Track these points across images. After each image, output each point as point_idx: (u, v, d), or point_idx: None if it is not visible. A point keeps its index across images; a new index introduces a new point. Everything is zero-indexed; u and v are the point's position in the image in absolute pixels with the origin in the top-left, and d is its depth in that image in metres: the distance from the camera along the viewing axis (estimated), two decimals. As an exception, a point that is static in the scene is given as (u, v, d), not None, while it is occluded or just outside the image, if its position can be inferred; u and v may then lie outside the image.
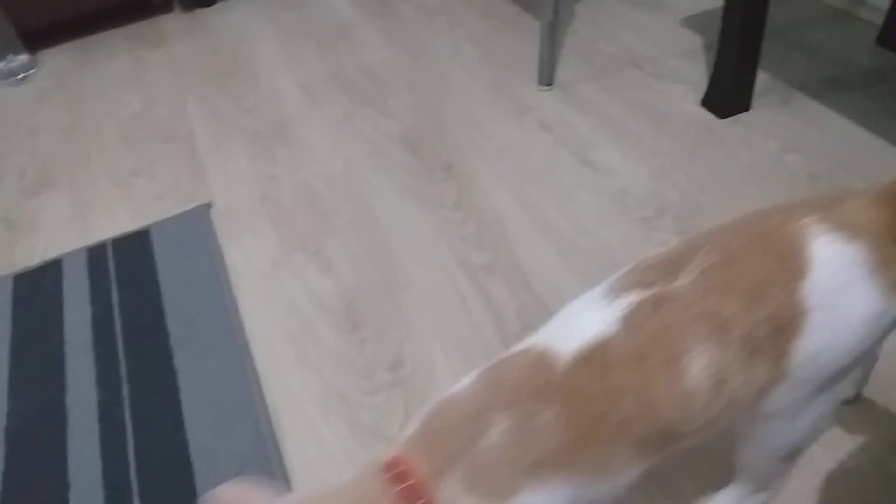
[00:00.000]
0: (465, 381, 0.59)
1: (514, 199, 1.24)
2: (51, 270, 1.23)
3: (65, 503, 0.89)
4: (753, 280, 0.56)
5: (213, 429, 0.94)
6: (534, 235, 1.16)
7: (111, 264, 1.22)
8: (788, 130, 1.28)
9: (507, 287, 1.08)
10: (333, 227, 1.24)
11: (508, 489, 0.54)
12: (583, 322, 0.58)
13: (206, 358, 1.03)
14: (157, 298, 1.14)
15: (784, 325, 0.56)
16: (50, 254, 1.27)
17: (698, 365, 0.54)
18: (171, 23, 2.03)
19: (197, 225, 1.27)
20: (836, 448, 0.83)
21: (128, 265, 1.21)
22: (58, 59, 1.94)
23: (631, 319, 0.56)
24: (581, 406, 0.55)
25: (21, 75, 1.85)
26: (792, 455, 0.69)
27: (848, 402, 0.86)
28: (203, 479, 0.88)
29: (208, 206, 1.32)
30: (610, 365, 0.55)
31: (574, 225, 1.17)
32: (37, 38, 1.97)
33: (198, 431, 0.94)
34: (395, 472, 0.54)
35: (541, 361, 0.57)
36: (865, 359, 0.64)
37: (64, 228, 1.33)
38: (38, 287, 1.21)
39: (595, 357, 0.55)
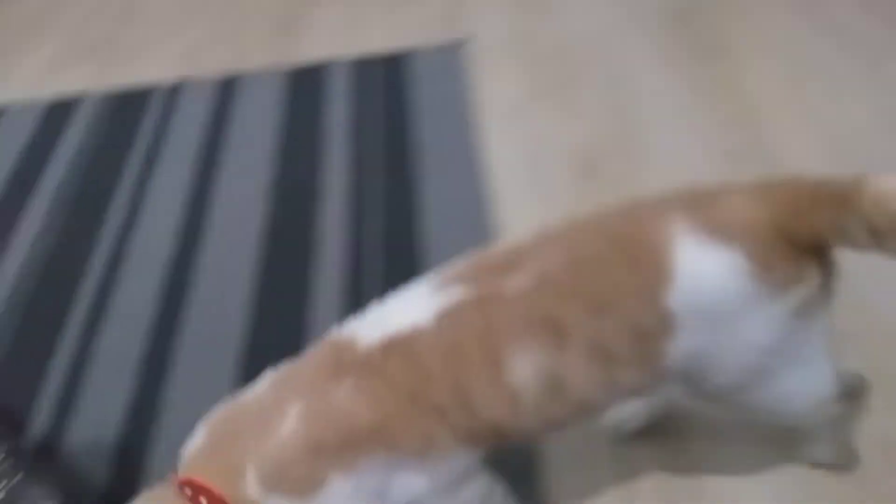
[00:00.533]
0: (257, 385, 0.55)
1: (782, 91, 1.16)
2: (319, 72, 1.34)
3: (309, 255, 1.02)
4: (601, 287, 0.51)
5: (440, 223, 1.02)
6: (794, 132, 1.09)
7: (372, 75, 1.31)
8: None
9: (753, 177, 1.04)
10: (585, 80, 1.24)
11: (312, 480, 0.50)
12: (396, 312, 0.55)
13: (444, 166, 1.10)
14: (408, 112, 1.22)
15: (648, 333, 0.51)
16: (321, 57, 1.38)
17: (524, 367, 0.51)
18: None
19: (453, 56, 1.32)
20: None
21: (386, 79, 1.30)
22: None
23: (449, 315, 0.52)
24: (383, 382, 0.51)
25: None
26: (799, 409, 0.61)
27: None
28: (422, 261, 0.97)
29: (466, 41, 1.36)
30: (418, 353, 0.51)
31: (843, 129, 1.08)
32: None
33: (425, 221, 1.03)
34: (186, 497, 0.50)
35: (340, 347, 0.54)
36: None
37: (336, 37, 1.44)
38: (308, 84, 1.32)
39: (401, 344, 0.52)
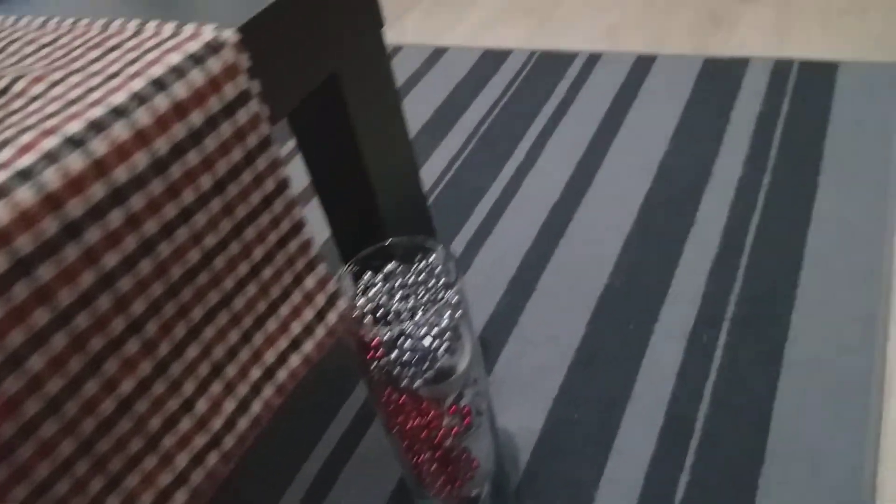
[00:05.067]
0: None
1: None
2: (736, 66, 1.35)
3: (684, 234, 1.05)
4: None
5: (835, 246, 0.97)
6: None
7: (791, 80, 1.28)
8: None
9: None
10: None
11: None
12: None
13: (847, 187, 1.05)
14: (823, 124, 1.17)
15: None
16: (742, 52, 1.39)
17: None
18: None
19: (888, 77, 1.24)
20: None
21: (806, 86, 1.26)
22: None
23: None
24: None
25: None
26: None
27: None
28: (806, 287, 0.94)
29: (907, 65, 1.26)
30: None
31: None
32: None
33: (817, 243, 0.99)
34: None
35: None
36: None
37: (761, 36, 1.43)
38: (720, 75, 1.34)
39: None
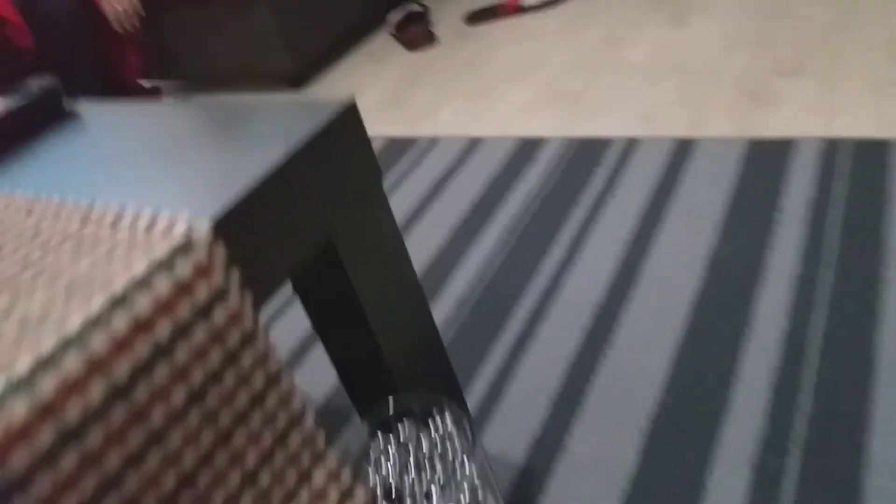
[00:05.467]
0: None
1: None
2: (783, 147, 1.28)
3: (741, 334, 0.97)
4: None
5: (909, 350, 0.88)
6: None
7: (843, 160, 1.21)
8: None
9: None
10: None
11: None
12: None
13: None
14: (880, 209, 1.09)
15: None
16: (787, 132, 1.32)
17: None
18: None
19: (951, 151, 1.15)
20: None
21: (860, 166, 1.18)
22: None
23: None
24: None
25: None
26: None
27: None
28: (880, 401, 0.85)
29: (971, 136, 1.18)
30: None
31: None
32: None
33: (889, 347, 0.89)
34: None
35: None
36: None
37: (806, 114, 1.36)
38: (768, 157, 1.27)
39: None
